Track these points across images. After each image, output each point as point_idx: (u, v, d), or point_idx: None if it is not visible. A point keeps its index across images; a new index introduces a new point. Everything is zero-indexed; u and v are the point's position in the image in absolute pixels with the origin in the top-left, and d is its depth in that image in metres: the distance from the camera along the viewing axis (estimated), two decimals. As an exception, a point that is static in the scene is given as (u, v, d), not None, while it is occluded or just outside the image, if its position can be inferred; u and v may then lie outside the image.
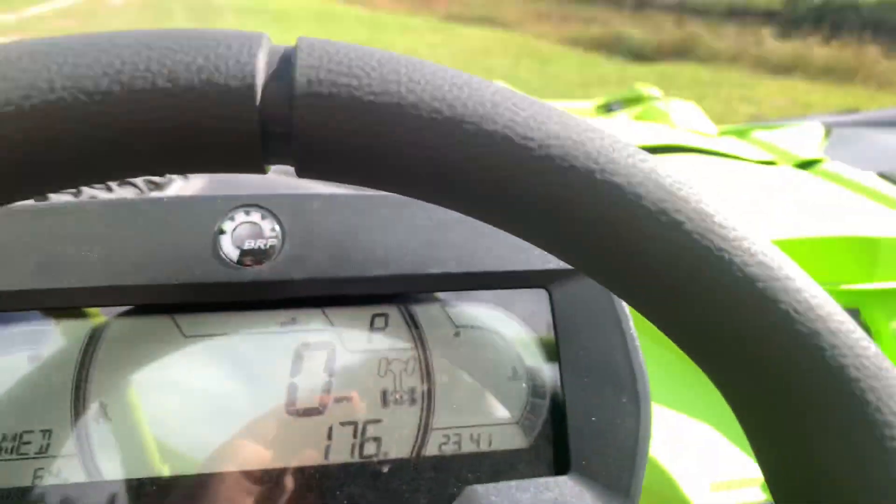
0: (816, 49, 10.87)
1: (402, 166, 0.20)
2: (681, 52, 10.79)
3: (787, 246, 0.64)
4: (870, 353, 0.20)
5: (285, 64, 0.19)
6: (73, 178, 0.20)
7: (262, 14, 12.62)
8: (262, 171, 0.21)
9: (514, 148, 0.19)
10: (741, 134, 1.23)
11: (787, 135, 1.21)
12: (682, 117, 1.29)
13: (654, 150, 1.00)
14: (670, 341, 0.24)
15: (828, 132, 1.31)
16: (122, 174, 0.20)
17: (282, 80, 0.19)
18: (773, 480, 0.22)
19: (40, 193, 0.20)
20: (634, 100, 1.48)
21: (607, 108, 1.45)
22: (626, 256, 0.20)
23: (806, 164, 1.02)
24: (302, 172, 0.21)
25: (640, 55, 10.57)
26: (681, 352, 0.58)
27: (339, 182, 0.22)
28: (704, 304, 0.20)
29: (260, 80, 0.19)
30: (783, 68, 10.01)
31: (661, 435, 0.44)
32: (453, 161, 0.19)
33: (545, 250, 0.22)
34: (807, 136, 1.22)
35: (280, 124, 0.19)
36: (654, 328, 0.23)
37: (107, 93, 0.18)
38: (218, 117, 0.19)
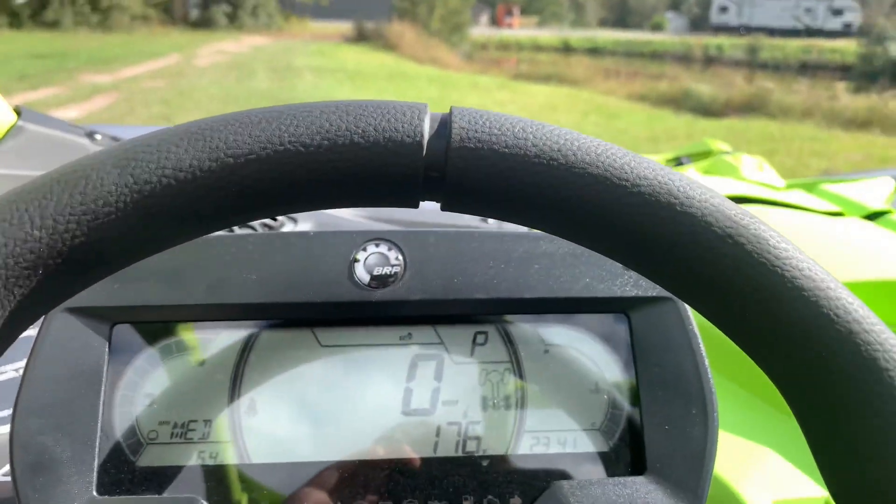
0: (893, 103, 10.64)
1: (525, 202, 0.27)
2: (751, 107, 10.73)
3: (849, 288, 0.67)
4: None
5: (443, 126, 0.26)
6: (284, 208, 0.27)
7: (337, 73, 13.14)
8: (416, 205, 0.28)
9: (613, 187, 0.26)
10: (809, 187, 1.26)
11: (855, 188, 1.24)
12: (751, 171, 1.33)
13: None
14: (736, 375, 0.30)
15: (899, 185, 1.33)
16: (318, 206, 0.28)
17: (440, 138, 0.26)
18: (824, 460, 0.27)
19: (263, 217, 0.28)
20: (703, 154, 1.53)
21: (677, 162, 1.51)
22: (700, 272, 0.26)
23: (873, 216, 1.05)
24: (445, 207, 0.28)
25: (708, 110, 10.56)
26: (746, 384, 0.63)
27: (474, 214, 0.29)
28: (762, 310, 0.26)
29: (425, 139, 0.26)
30: (858, 123, 9.83)
31: (727, 456, 0.49)
32: (565, 197, 0.26)
33: (635, 270, 0.29)
34: (876, 189, 1.24)
35: (436, 170, 0.26)
36: (722, 365, 0.28)
37: (318, 146, 0.26)
38: (394, 165, 0.26)
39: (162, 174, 0.25)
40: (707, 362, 0.42)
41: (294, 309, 0.41)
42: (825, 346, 0.25)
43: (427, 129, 0.26)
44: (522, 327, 0.43)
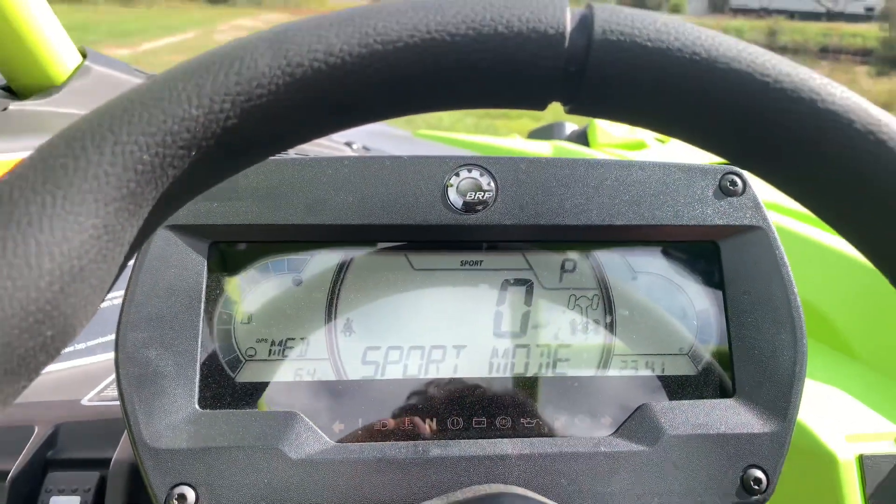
0: (916, 87, 10.52)
1: (664, 99, 0.27)
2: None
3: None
4: None
5: (585, 18, 0.27)
6: (424, 104, 0.28)
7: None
8: (544, 106, 0.29)
9: (755, 83, 0.26)
10: None
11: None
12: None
13: None
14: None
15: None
16: (455, 103, 0.28)
17: (583, 30, 0.26)
18: None
19: (402, 115, 0.28)
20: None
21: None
22: (842, 170, 0.26)
23: None
24: (576, 108, 0.28)
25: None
26: (817, 334, 0.63)
27: (606, 116, 0.29)
28: None
29: (568, 30, 0.26)
30: (879, 106, 9.72)
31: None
32: (707, 94, 0.26)
33: (765, 175, 0.29)
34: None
35: (577, 63, 0.27)
36: None
37: (464, 35, 0.26)
38: (537, 56, 0.26)
39: (314, 58, 0.25)
40: (796, 289, 0.42)
41: (389, 231, 0.42)
42: None
43: (569, 20, 0.26)
44: (611, 255, 0.44)
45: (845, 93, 0.27)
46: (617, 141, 1.25)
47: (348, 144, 0.97)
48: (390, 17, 0.26)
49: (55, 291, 0.22)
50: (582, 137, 1.37)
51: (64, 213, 0.23)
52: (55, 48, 0.67)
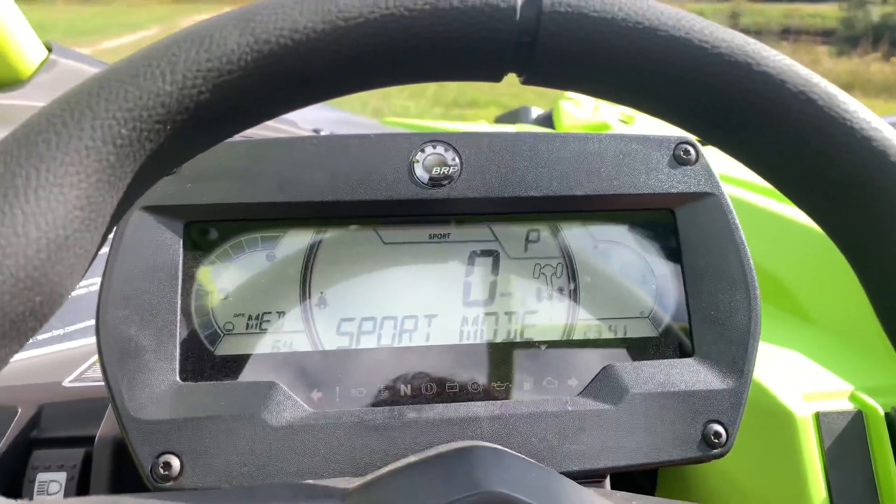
0: (874, 66, 10.72)
1: (609, 65, 0.29)
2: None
3: None
4: None
5: None
6: (385, 78, 0.29)
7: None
8: (499, 78, 0.30)
9: (693, 48, 0.28)
10: None
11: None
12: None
13: None
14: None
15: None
16: (413, 76, 0.30)
17: (533, 3, 0.28)
18: (881, 303, 0.30)
19: (367, 89, 0.29)
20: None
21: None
22: (776, 127, 0.28)
23: None
24: (530, 79, 0.30)
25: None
26: (770, 299, 0.66)
27: (557, 86, 0.31)
28: (832, 162, 0.28)
29: (519, 3, 0.28)
30: (840, 86, 9.89)
31: (757, 358, 0.52)
32: (649, 57, 0.28)
33: (707, 136, 0.31)
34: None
35: (528, 34, 0.28)
36: None
37: (420, 10, 0.27)
38: (490, 29, 0.28)
39: (279, 35, 0.26)
40: (749, 253, 0.44)
41: (359, 207, 0.43)
42: (892, 191, 0.28)
43: None
44: (573, 225, 0.46)
45: (778, 56, 0.29)
46: (581, 122, 1.28)
47: (316, 132, 0.98)
48: None
49: (42, 259, 0.24)
50: (547, 120, 1.39)
51: (48, 185, 0.24)
52: (20, 43, 0.67)
